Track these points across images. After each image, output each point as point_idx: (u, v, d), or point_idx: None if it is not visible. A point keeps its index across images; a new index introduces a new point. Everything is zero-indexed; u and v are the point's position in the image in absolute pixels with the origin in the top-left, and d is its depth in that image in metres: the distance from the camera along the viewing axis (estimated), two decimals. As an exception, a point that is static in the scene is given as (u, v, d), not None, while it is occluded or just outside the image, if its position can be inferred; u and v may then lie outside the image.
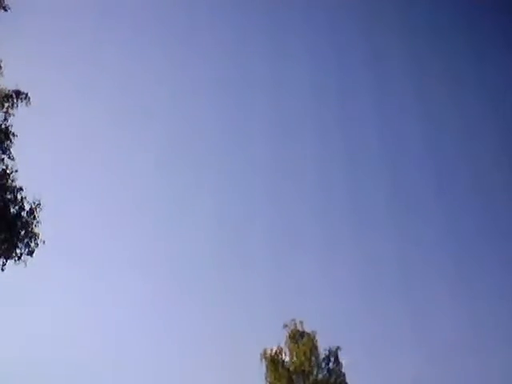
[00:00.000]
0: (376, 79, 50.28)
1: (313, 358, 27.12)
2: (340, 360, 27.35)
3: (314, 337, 27.74)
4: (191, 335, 38.89)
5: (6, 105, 20.03)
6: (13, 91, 20.10)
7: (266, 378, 27.04)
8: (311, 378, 26.65)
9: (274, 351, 27.51)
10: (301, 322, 28.15)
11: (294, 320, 28.26)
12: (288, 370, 26.96)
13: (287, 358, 27.43)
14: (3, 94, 20.08)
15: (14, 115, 20.05)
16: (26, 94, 20.20)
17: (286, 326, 27.98)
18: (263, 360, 27.36)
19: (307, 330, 27.94)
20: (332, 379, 26.84)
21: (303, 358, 26.94)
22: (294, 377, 26.80)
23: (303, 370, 26.83)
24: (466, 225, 47.07)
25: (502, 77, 47.00)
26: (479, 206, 46.79)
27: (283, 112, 51.95)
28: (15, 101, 20.07)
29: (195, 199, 49.01)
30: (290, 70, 51.07)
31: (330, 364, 27.31)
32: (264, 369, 27.25)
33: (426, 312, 40.38)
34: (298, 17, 49.74)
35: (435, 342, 36.54)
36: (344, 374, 27.12)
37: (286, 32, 50.99)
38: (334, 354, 27.50)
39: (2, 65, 19.63)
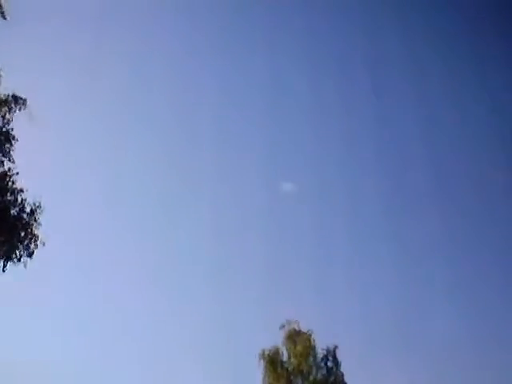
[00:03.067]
0: (376, 80, 50.86)
1: (311, 358, 27.30)
2: (338, 359, 27.57)
3: (311, 336, 27.94)
4: (188, 336, 38.81)
5: (4, 109, 20.21)
6: (10, 96, 20.29)
7: (264, 379, 27.16)
8: (310, 378, 26.78)
9: (272, 352, 27.61)
10: (297, 322, 28.37)
11: (289, 320, 28.48)
12: (287, 370, 27.11)
13: (285, 358, 27.59)
14: (1, 100, 20.27)
15: (11, 120, 20.21)
16: (24, 100, 20.40)
17: (283, 326, 28.20)
18: (261, 360, 27.48)
19: (304, 330, 28.21)
20: (331, 379, 26.98)
21: (301, 358, 27.10)
22: (292, 377, 26.92)
23: (301, 370, 26.98)
24: (464, 227, 47.41)
25: (503, 78, 47.64)
26: (478, 207, 47.21)
27: (282, 111, 52.36)
28: (13, 106, 20.25)
29: (192, 202, 49.23)
30: (289, 72, 51.64)
31: (329, 363, 27.48)
32: (262, 369, 27.40)
33: (424, 313, 40.55)
34: (298, 18, 50.30)
35: (432, 343, 36.69)
36: (342, 374, 27.28)
37: (286, 33, 51.61)
38: (331, 354, 27.71)
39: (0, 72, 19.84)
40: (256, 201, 50.07)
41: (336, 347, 27.77)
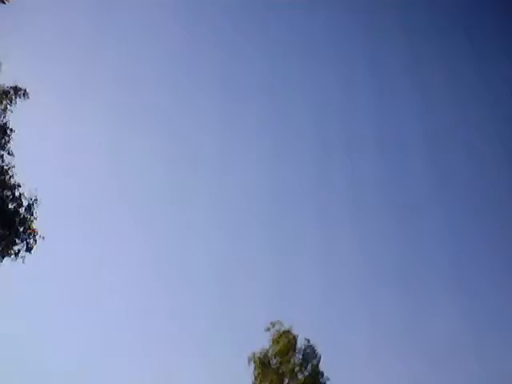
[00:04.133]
0: (376, 77, 50.77)
1: (294, 356, 27.47)
2: (317, 353, 27.65)
3: (293, 335, 27.94)
4: (187, 337, 38.62)
5: (5, 102, 19.84)
6: (11, 87, 19.93)
7: (254, 380, 27.18)
8: (299, 376, 26.96)
9: (261, 354, 27.70)
10: (280, 323, 28.28)
11: (274, 322, 28.42)
12: (276, 370, 27.19)
13: (274, 360, 27.69)
14: (1, 91, 19.90)
15: (12, 112, 19.88)
16: (25, 90, 20.06)
17: (268, 329, 28.25)
18: (251, 363, 27.53)
19: (288, 329, 28.07)
20: (310, 369, 27.14)
21: (284, 358, 27.33)
22: (281, 377, 27.01)
23: (288, 369, 27.11)
24: (465, 225, 47.44)
25: (503, 74, 47.65)
26: (479, 204, 47.27)
27: (283, 107, 52.08)
28: (13, 97, 19.90)
29: (193, 198, 48.73)
30: (290, 67, 51.44)
31: (309, 358, 27.63)
32: (252, 371, 27.45)
33: (425, 312, 40.56)
34: (299, 17, 50.10)
35: (433, 342, 36.72)
36: (318, 362, 27.40)
37: (287, 31, 51.40)
38: (311, 348, 27.83)
39: (0, 61, 19.45)
40: (259, 196, 49.87)
41: (308, 340, 27.78)
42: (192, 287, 42.80)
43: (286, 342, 27.68)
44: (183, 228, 47.33)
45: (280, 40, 51.96)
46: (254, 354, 27.98)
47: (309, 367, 27.41)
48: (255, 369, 27.55)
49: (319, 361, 27.78)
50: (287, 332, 28.14)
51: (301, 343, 27.92)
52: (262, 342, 28.17)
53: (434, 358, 35.33)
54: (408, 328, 38.30)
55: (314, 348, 27.94)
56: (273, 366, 27.50)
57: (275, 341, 28.01)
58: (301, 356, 27.61)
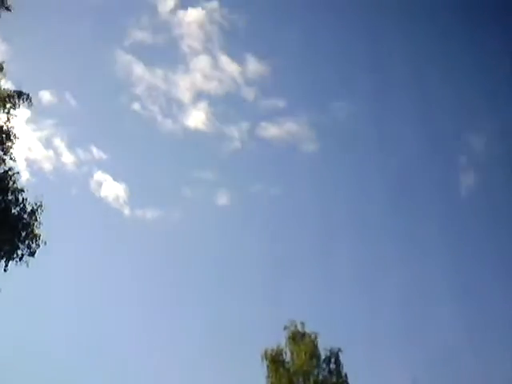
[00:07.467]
0: (375, 77, 50.14)
1: (313, 359, 27.26)
2: (341, 361, 27.49)
3: (316, 338, 27.88)
4: (191, 335, 38.96)
5: (8, 106, 20.01)
6: (15, 92, 20.11)
7: (267, 379, 27.20)
8: (312, 379, 26.80)
9: (274, 352, 27.59)
10: (302, 324, 28.28)
11: (293, 321, 28.41)
12: (289, 370, 27.11)
13: (288, 359, 27.57)
14: (5, 95, 20.07)
15: (15, 116, 20.03)
16: (28, 95, 20.20)
17: (286, 327, 28.13)
18: (264, 360, 27.49)
19: (308, 331, 28.11)
20: (333, 380, 26.94)
21: (304, 359, 27.08)
22: (294, 378, 26.92)
23: (304, 371, 26.97)
24: (468, 225, 46.93)
25: (505, 73, 46.73)
26: (481, 207, 46.72)
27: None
28: (17, 101, 20.06)
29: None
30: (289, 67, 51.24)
31: (331, 365, 27.42)
32: (265, 369, 27.43)
33: (426, 312, 40.36)
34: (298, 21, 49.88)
35: (435, 343, 36.53)
36: (346, 375, 27.22)
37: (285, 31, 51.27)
38: (334, 355, 27.61)
39: (4, 66, 19.65)
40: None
41: (339, 350, 27.66)
42: (196, 287, 43.15)
43: (306, 343, 27.49)
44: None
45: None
46: (266, 351, 27.89)
47: (327, 372, 27.09)
48: (268, 366, 27.46)
49: (341, 369, 27.24)
50: (307, 334, 27.94)
51: (320, 346, 27.74)
52: (270, 342, 28.27)
53: (435, 357, 35.11)
54: (410, 327, 38.13)
55: (337, 355, 27.59)
56: (287, 366, 27.41)
57: (292, 341, 27.87)
58: (322, 358, 27.45)
